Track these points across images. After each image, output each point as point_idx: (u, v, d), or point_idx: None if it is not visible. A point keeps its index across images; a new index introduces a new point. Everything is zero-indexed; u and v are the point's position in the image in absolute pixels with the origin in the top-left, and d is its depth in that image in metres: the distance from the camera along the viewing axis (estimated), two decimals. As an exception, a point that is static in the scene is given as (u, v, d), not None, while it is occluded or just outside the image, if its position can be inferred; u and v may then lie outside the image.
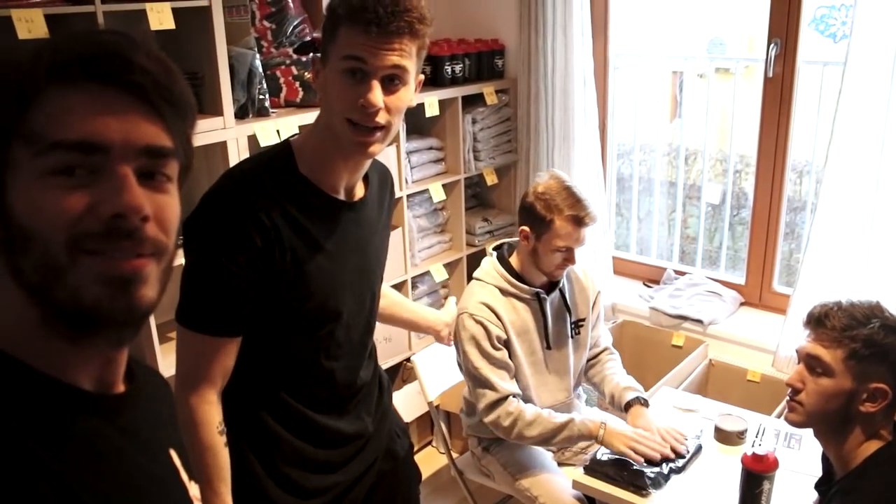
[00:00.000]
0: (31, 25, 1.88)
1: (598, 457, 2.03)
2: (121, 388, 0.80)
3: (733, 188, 4.31)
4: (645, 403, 2.22)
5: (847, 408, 1.53)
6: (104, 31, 0.78)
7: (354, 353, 1.56)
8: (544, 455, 2.32)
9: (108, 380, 0.77)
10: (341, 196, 1.43)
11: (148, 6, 2.06)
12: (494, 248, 2.35)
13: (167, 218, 0.73)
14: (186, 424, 1.35)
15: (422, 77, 1.40)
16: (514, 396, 2.15)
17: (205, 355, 1.36)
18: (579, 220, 2.11)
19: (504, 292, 2.23)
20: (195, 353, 1.36)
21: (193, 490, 0.87)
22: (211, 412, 1.35)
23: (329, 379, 1.52)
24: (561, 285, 2.32)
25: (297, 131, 2.44)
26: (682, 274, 3.30)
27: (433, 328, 2.10)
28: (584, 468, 2.01)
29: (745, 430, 2.13)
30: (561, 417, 2.13)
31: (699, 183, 4.42)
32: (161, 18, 2.09)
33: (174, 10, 2.11)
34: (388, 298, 1.91)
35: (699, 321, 2.97)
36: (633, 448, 2.01)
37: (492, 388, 2.13)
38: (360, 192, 1.48)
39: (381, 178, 1.60)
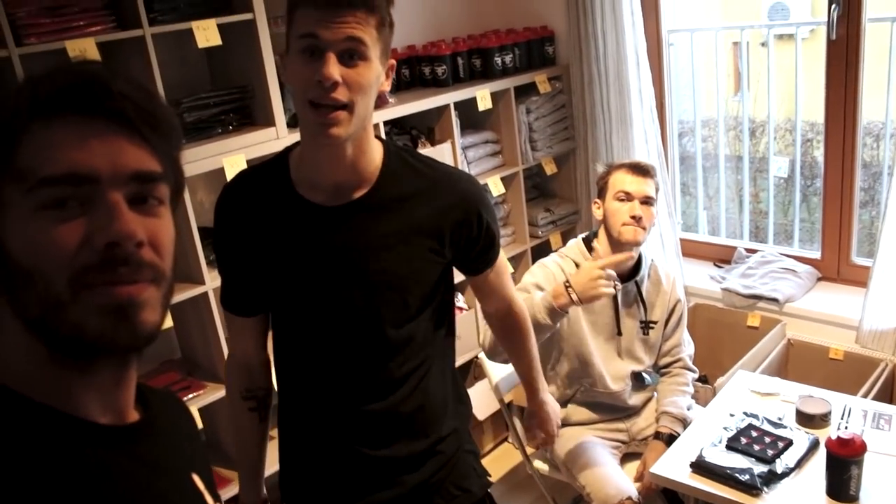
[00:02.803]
0: (85, 55, 1.92)
1: (705, 456, 1.92)
2: (134, 416, 0.80)
3: (804, 158, 4.14)
4: (667, 441, 2.20)
5: None
6: (81, 62, 0.80)
7: (364, 382, 1.43)
8: (600, 448, 2.28)
9: (120, 407, 0.78)
10: (325, 196, 1.35)
11: (194, 24, 2.10)
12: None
13: (162, 242, 0.74)
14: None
15: (393, 62, 1.33)
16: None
17: (228, 327, 1.58)
18: (634, 167, 2.25)
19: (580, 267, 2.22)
20: (226, 324, 1.60)
21: None
22: (230, 377, 1.57)
23: (326, 402, 1.46)
24: (639, 278, 2.29)
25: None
26: (753, 252, 3.19)
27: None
28: (691, 465, 1.90)
29: (829, 413, 2.03)
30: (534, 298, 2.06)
31: (767, 156, 4.27)
32: (208, 35, 2.12)
33: (220, 27, 2.14)
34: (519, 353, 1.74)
35: (774, 300, 2.86)
36: (601, 284, 1.92)
37: (524, 290, 2.15)
38: (358, 193, 1.36)
39: (429, 190, 1.39)
